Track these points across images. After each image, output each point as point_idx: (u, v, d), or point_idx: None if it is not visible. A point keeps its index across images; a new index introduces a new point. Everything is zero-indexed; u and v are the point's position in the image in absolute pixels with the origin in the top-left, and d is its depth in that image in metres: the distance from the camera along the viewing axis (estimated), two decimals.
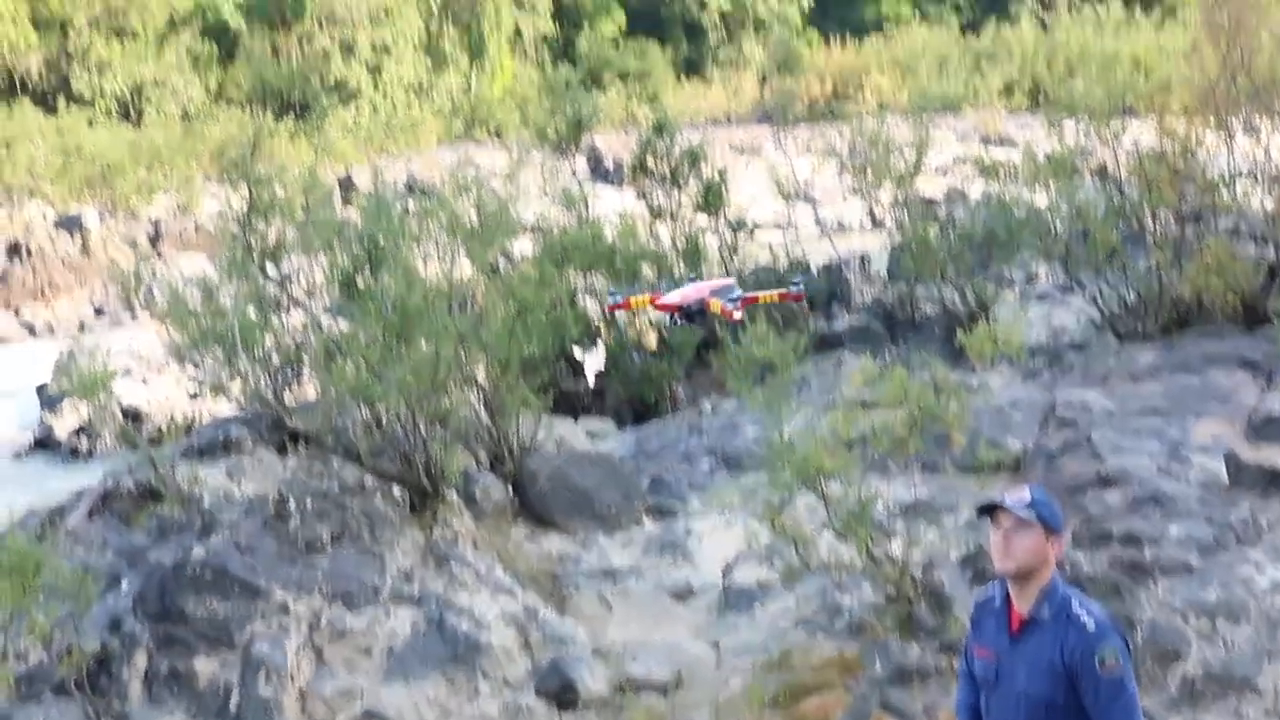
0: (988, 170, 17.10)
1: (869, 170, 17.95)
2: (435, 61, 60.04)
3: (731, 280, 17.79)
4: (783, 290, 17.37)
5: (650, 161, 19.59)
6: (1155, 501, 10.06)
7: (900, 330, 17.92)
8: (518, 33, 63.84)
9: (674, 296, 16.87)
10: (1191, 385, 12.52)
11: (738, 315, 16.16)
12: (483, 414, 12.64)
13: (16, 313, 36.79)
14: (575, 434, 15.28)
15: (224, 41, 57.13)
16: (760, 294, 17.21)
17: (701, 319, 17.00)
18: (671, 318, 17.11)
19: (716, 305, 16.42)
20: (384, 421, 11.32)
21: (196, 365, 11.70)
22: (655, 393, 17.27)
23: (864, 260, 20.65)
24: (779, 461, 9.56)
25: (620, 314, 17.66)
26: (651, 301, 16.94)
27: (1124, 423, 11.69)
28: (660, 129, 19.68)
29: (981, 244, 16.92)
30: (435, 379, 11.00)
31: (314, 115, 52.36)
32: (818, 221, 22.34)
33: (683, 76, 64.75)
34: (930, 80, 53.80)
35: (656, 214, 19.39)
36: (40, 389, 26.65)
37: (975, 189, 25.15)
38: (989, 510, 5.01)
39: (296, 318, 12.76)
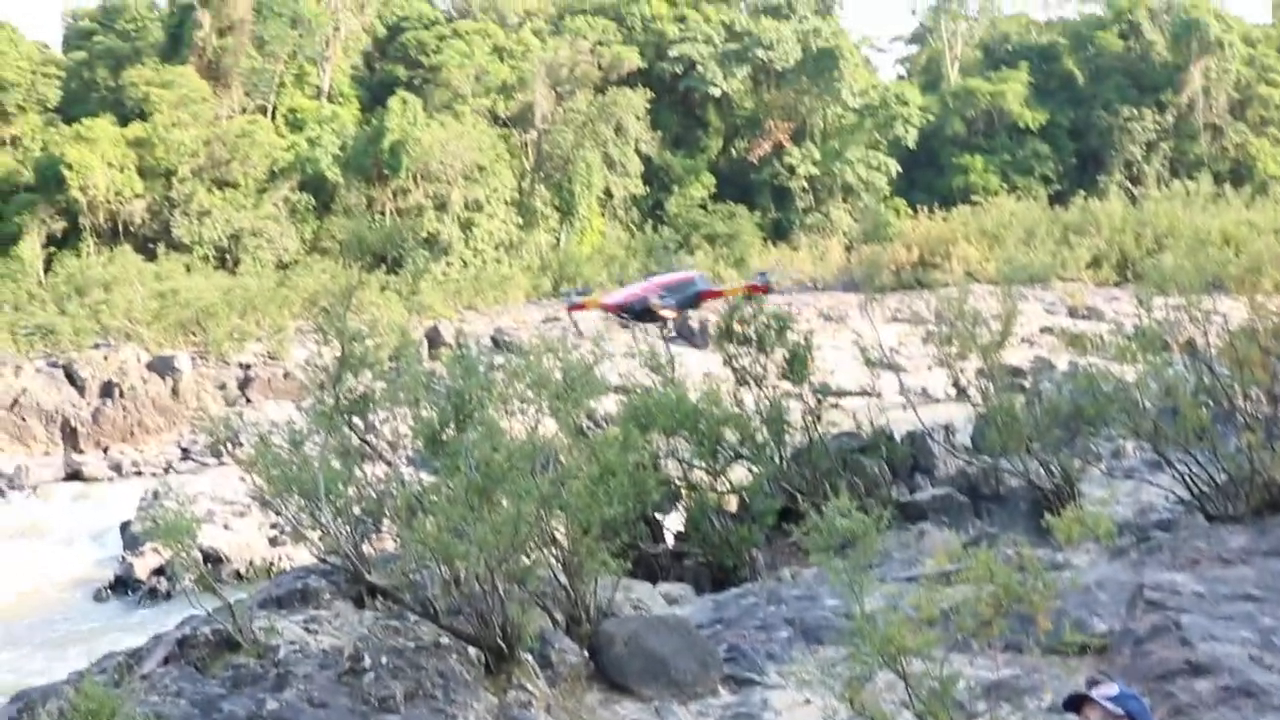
0: (1075, 342, 17.01)
1: (954, 340, 17.87)
2: (526, 218, 61.14)
3: (695, 274, 17.74)
4: (750, 283, 17.33)
5: (737, 326, 19.64)
6: (1247, 693, 9.76)
7: (984, 503, 17.70)
8: (608, 193, 64.95)
9: (619, 295, 16.85)
10: None
11: (669, 314, 16.03)
12: (561, 575, 12.55)
13: (105, 451, 37.47)
14: (653, 598, 15.13)
15: (321, 194, 58.68)
16: (725, 288, 17.14)
17: (648, 316, 16.85)
18: (619, 315, 17.01)
19: (658, 305, 16.40)
20: (462, 579, 11.26)
21: (279, 513, 11.81)
22: (735, 558, 17.06)
23: (948, 430, 20.49)
24: (860, 637, 9.38)
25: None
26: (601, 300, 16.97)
27: (1214, 608, 11.39)
28: (748, 294, 19.79)
29: (1068, 418, 16.73)
30: (516, 539, 10.95)
31: (406, 270, 53.37)
32: (902, 390, 22.27)
33: (770, 240, 65.42)
34: (1018, 251, 54.02)
35: (742, 379, 19.38)
36: (124, 527, 27.01)
37: (1061, 360, 24.94)
38: (1075, 704, 4.89)
39: (379, 469, 12.85)
